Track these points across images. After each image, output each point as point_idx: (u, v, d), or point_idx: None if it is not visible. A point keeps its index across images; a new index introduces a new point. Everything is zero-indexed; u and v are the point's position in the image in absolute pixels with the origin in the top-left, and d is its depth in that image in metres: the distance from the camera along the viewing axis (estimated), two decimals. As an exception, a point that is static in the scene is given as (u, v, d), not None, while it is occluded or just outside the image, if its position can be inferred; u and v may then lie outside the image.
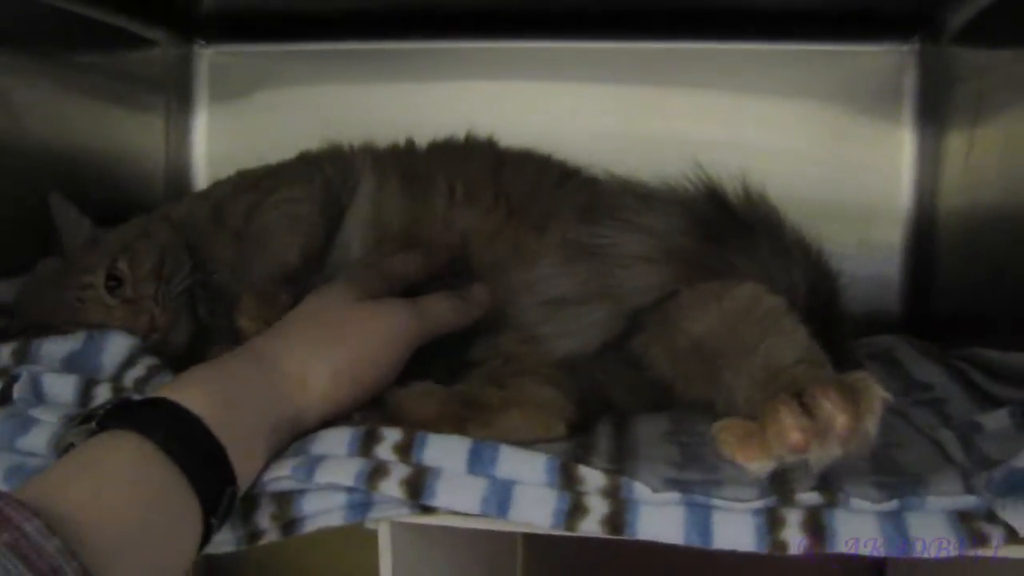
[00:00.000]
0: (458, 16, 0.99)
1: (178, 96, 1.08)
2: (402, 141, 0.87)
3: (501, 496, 0.52)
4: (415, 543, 0.60)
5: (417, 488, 0.53)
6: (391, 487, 0.53)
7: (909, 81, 0.97)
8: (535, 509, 0.52)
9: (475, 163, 0.82)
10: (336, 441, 0.56)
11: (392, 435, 0.55)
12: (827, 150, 0.99)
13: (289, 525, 0.55)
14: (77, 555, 0.40)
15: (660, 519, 0.51)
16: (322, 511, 0.55)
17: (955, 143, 0.91)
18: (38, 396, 0.64)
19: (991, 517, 0.48)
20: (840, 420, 0.47)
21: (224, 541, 0.54)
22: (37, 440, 0.58)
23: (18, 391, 0.63)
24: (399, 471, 0.53)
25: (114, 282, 0.74)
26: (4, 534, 0.39)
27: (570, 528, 0.51)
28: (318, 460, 0.55)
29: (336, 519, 0.55)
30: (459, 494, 0.53)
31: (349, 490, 0.54)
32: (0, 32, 0.82)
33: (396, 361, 0.63)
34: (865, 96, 0.98)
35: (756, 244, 0.64)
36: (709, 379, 0.62)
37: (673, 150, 0.97)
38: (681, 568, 0.87)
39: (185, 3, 0.99)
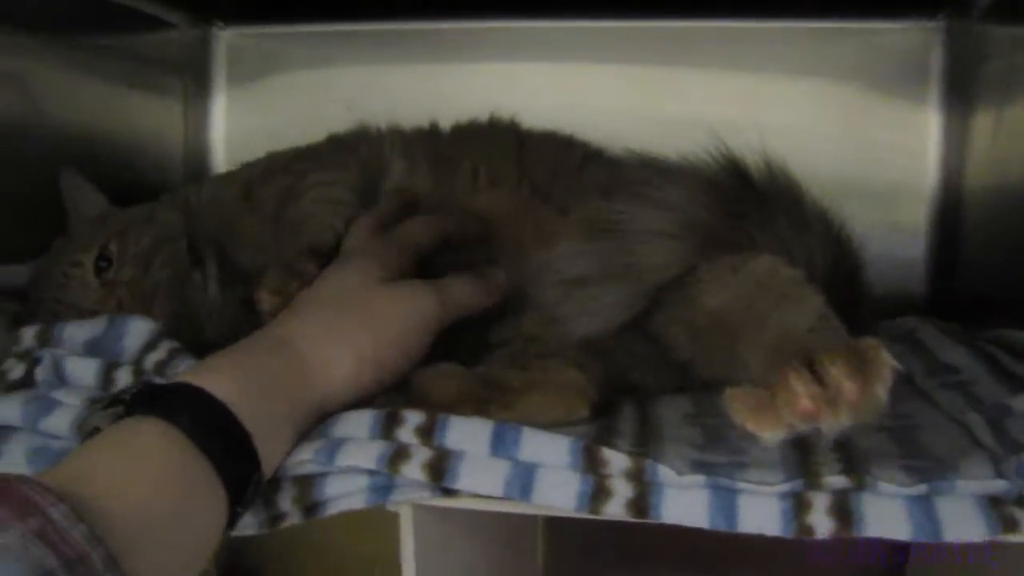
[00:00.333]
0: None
1: (196, 78, 1.08)
2: (424, 123, 0.87)
3: (524, 479, 0.52)
4: (437, 525, 0.60)
5: (439, 471, 0.53)
6: (413, 470, 0.53)
7: (935, 58, 0.95)
8: (558, 492, 0.52)
9: (498, 145, 0.82)
10: (358, 424, 0.56)
11: (414, 418, 0.55)
12: (850, 129, 0.97)
13: (311, 508, 0.55)
14: (103, 541, 0.40)
15: (685, 502, 0.50)
16: (344, 494, 0.54)
17: (982, 122, 0.89)
18: (60, 379, 0.64)
19: (1021, 502, 0.48)
20: (848, 386, 0.47)
21: (246, 524, 0.54)
22: (60, 422, 0.59)
23: (41, 373, 0.63)
24: (421, 454, 0.53)
25: (105, 263, 0.74)
26: (30, 520, 0.39)
27: (594, 511, 0.51)
28: (340, 443, 0.54)
29: (358, 502, 0.54)
30: (482, 477, 0.52)
31: (371, 473, 0.54)
32: (17, 15, 0.82)
33: (419, 345, 0.63)
34: (890, 74, 0.96)
35: (775, 217, 0.64)
36: (728, 356, 0.61)
37: (692, 130, 0.96)
38: (704, 552, 0.87)
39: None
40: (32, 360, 0.65)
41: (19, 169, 0.82)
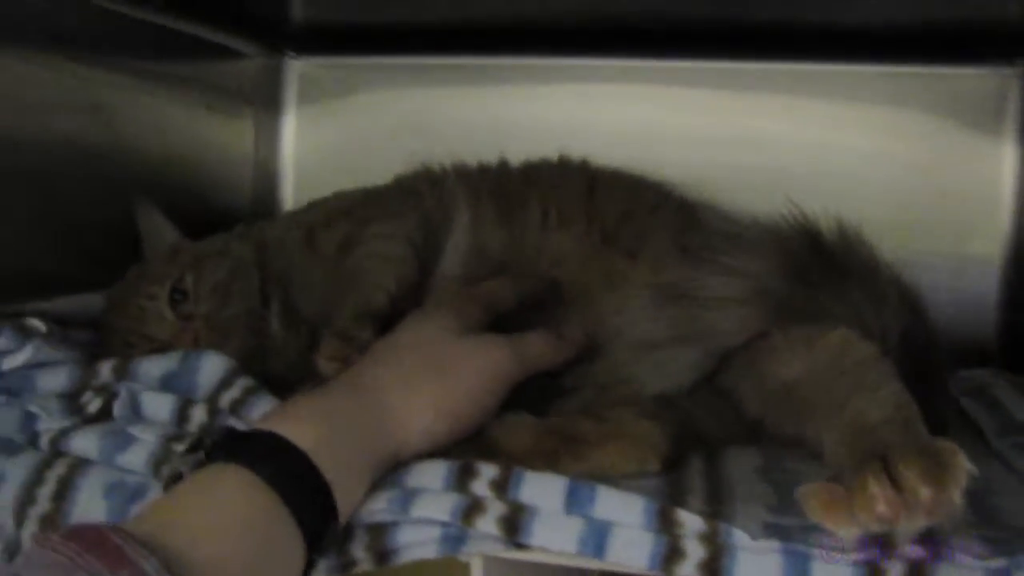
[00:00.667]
0: (543, 33, 0.98)
1: (267, 105, 1.10)
2: (493, 154, 0.86)
3: (598, 537, 0.52)
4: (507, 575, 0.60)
5: (514, 526, 0.53)
6: (488, 524, 0.53)
7: (1012, 103, 0.95)
8: (632, 551, 0.52)
9: (568, 186, 0.81)
10: (432, 475, 0.56)
11: (488, 471, 0.55)
12: (925, 172, 0.97)
13: (383, 555, 0.55)
14: None
15: (758, 566, 0.50)
16: (416, 543, 0.55)
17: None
18: (136, 413, 0.65)
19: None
20: (924, 492, 0.47)
21: (318, 569, 0.55)
22: (136, 458, 0.60)
23: (118, 408, 0.64)
24: (496, 508, 0.53)
25: (179, 295, 0.75)
26: (123, 572, 0.40)
27: (667, 571, 0.51)
28: (414, 493, 0.55)
29: (430, 551, 0.55)
30: (556, 534, 0.53)
31: (444, 524, 0.54)
32: (103, 48, 0.84)
33: (495, 398, 0.63)
34: (965, 118, 0.96)
35: (849, 288, 0.64)
36: (798, 422, 0.62)
37: (767, 174, 0.97)
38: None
39: (276, 16, 0.99)
40: (109, 394, 0.66)
41: (100, 196, 0.84)
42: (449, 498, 0.54)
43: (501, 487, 0.54)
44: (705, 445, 0.67)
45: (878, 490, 0.48)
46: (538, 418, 0.64)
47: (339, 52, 1.08)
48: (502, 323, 0.69)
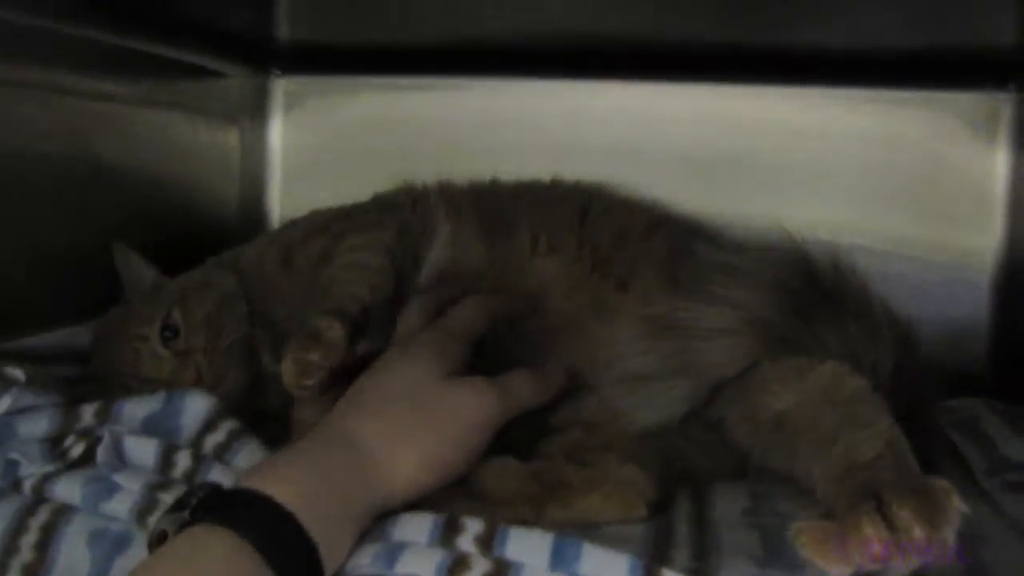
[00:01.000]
0: (528, 53, 0.98)
1: (253, 123, 1.09)
2: (485, 178, 0.86)
3: (583, 595, 0.52)
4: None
5: (499, 584, 0.52)
6: (472, 582, 0.52)
7: (1004, 127, 0.95)
8: (617, 609, 0.51)
9: (561, 210, 0.80)
10: (417, 528, 0.55)
11: (473, 526, 0.55)
12: (916, 196, 0.97)
13: (368, 608, 0.55)
14: None
15: (743, 623, 0.50)
16: (400, 597, 0.54)
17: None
18: (120, 458, 0.64)
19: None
20: (917, 532, 0.48)
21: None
22: (119, 506, 0.59)
23: (101, 454, 0.64)
24: (480, 565, 0.53)
25: (169, 333, 0.74)
26: None
27: (652, 630, 0.51)
28: (399, 548, 0.54)
29: (414, 605, 0.54)
30: (541, 592, 0.52)
31: (428, 578, 0.54)
32: (86, 70, 0.83)
33: (480, 444, 0.63)
34: (957, 143, 0.96)
35: (842, 321, 0.63)
36: (788, 454, 0.62)
37: (759, 194, 0.97)
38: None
39: (261, 36, 0.99)
40: (92, 438, 0.65)
41: (81, 224, 0.83)
42: (434, 554, 0.54)
43: (486, 543, 0.54)
44: (692, 481, 0.67)
45: (872, 530, 0.48)
46: (523, 462, 0.64)
47: (324, 71, 1.08)
48: (482, 345, 0.69)
